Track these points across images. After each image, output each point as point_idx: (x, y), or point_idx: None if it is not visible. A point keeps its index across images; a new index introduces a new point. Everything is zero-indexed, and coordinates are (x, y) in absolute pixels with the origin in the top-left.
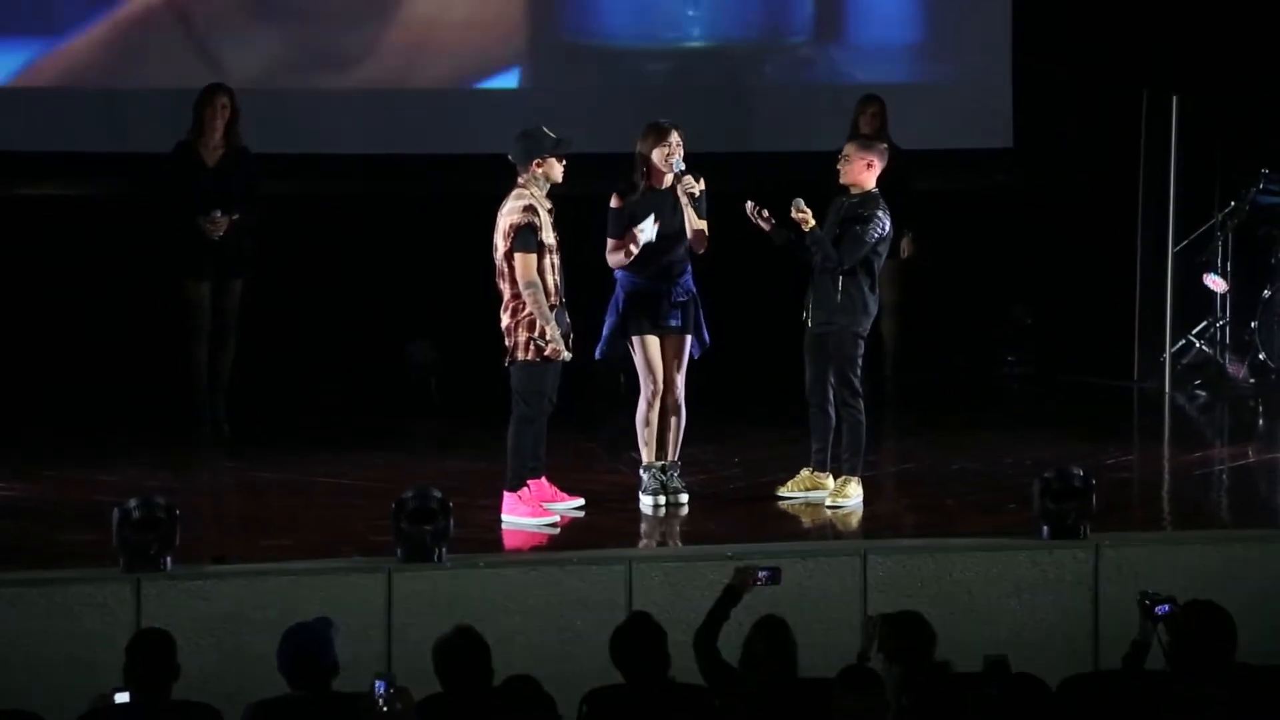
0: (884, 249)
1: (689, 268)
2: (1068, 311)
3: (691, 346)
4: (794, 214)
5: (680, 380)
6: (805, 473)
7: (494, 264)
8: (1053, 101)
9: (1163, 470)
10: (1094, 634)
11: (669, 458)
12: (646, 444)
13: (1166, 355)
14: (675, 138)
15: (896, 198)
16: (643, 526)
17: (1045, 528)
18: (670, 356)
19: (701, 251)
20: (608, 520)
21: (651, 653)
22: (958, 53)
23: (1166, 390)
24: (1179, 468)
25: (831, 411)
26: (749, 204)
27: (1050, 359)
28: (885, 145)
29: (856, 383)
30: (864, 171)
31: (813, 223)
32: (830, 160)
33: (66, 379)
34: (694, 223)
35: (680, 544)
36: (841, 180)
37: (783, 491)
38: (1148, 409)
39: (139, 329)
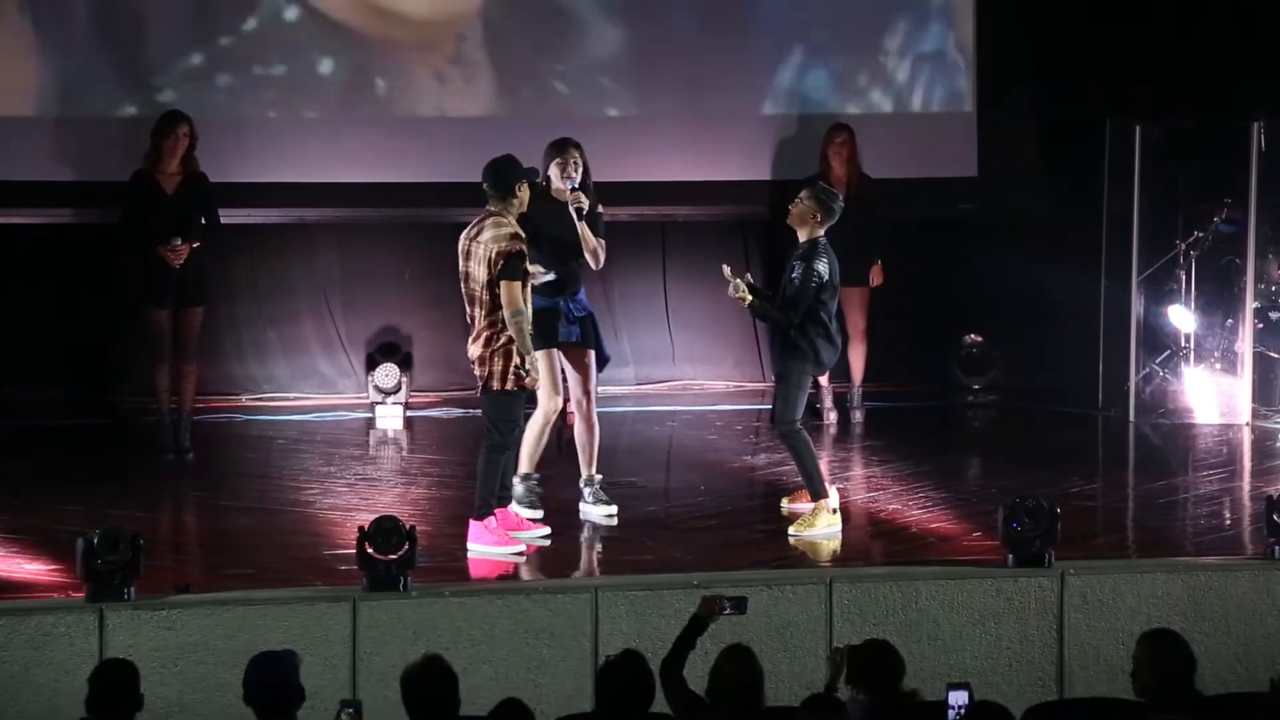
0: (828, 295)
1: (582, 285)
2: (1032, 339)
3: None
4: (731, 294)
5: (593, 394)
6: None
7: (462, 292)
8: (1017, 130)
9: (1127, 498)
10: (1059, 662)
11: (589, 471)
12: (530, 456)
13: (1131, 383)
14: (575, 155)
15: (864, 225)
16: (598, 552)
17: (1010, 556)
18: (575, 372)
19: (596, 268)
20: (574, 549)
21: (637, 694)
22: (923, 81)
23: (1130, 418)
24: (1143, 496)
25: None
26: (725, 267)
27: (1014, 387)
28: (841, 202)
29: (792, 414)
30: (810, 221)
31: (750, 298)
32: (799, 189)
33: (27, 407)
34: (588, 240)
35: (644, 573)
36: (789, 221)
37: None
38: (1112, 437)
39: (100, 357)
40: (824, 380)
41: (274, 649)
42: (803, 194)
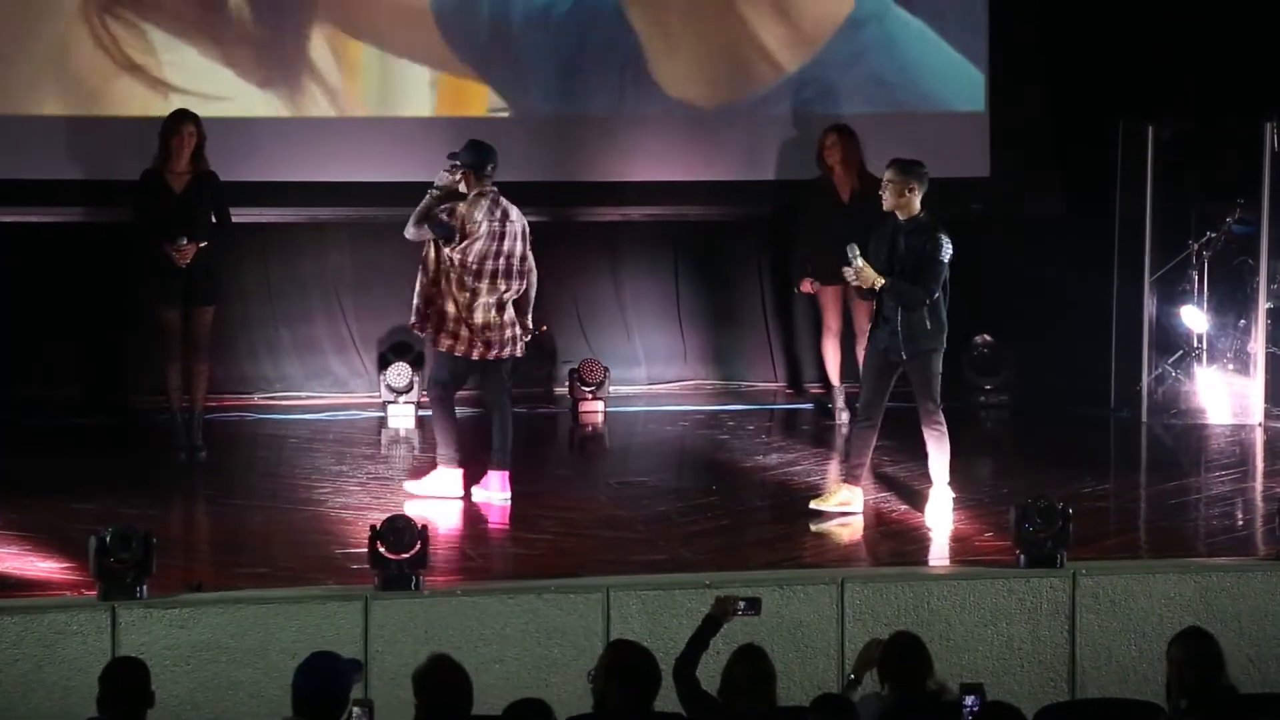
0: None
1: None
2: (1044, 340)
3: None
4: (855, 279)
5: None
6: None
7: (485, 271)
8: (1028, 130)
9: (1139, 499)
10: (1070, 662)
11: None
12: None
13: (1143, 384)
14: None
15: (869, 225)
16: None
17: (1022, 556)
18: None
19: None
20: (585, 548)
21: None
22: (934, 82)
23: (1143, 419)
24: (1155, 496)
25: (877, 429)
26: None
27: (1026, 387)
28: (925, 169)
29: (937, 400)
30: (905, 195)
31: (880, 280)
32: (805, 188)
33: (39, 405)
34: None
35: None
36: (885, 208)
37: (817, 504)
38: (1124, 438)
39: (112, 356)
40: (836, 380)
41: (326, 650)
42: (887, 173)
